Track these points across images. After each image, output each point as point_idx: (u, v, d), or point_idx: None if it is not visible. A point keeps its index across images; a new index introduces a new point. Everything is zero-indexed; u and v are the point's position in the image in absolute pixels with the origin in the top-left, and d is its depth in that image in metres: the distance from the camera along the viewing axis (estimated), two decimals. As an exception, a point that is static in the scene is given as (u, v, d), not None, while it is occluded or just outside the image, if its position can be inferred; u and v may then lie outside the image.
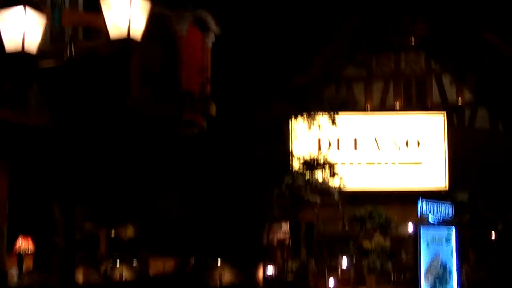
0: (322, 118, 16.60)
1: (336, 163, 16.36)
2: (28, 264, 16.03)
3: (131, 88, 22.37)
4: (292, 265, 15.25)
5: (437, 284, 12.96)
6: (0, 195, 14.69)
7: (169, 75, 21.80)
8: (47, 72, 13.31)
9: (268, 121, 16.55)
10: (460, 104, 25.34)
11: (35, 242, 16.30)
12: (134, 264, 16.52)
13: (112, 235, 17.14)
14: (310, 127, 16.55)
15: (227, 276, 17.04)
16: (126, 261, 16.64)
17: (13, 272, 13.43)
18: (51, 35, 14.20)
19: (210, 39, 23.07)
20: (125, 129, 21.99)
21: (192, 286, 16.16)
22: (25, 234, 16.52)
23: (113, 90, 22.03)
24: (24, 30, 8.68)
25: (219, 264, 17.44)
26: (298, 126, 16.72)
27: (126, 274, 16.35)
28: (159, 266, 17.28)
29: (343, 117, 17.23)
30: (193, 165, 15.70)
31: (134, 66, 22.26)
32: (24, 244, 16.39)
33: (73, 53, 9.15)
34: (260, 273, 15.67)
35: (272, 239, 16.90)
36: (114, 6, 8.64)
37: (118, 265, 16.58)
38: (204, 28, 23.07)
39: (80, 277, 14.08)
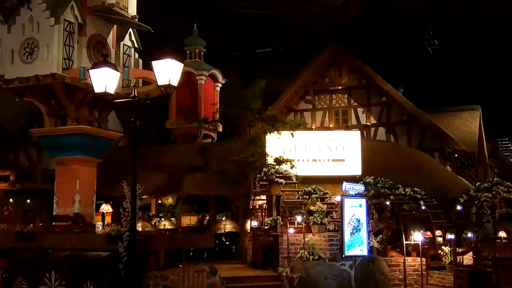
0: (285, 133, 16.57)
1: (293, 160, 16.30)
2: (108, 220, 15.92)
3: (169, 115, 22.39)
4: (267, 220, 15.14)
5: (354, 232, 12.81)
6: (91, 178, 14.76)
7: (193, 107, 21.85)
8: (121, 105, 13.22)
9: (253, 134, 16.50)
10: (368, 124, 25.44)
11: (112, 206, 16.19)
12: (172, 219, 16.45)
13: (159, 202, 17.01)
14: (278, 138, 16.53)
15: (229, 226, 17.00)
16: (167, 218, 16.57)
17: (99, 224, 13.39)
18: (123, 83, 14.26)
19: (219, 86, 23.10)
20: (167, 140, 21.89)
21: (207, 232, 16.12)
22: (107, 201, 16.43)
23: (159, 116, 21.99)
24: (107, 80, 8.78)
25: (224, 219, 17.38)
26: (271, 138, 16.63)
27: (167, 225, 16.26)
28: (187, 220, 17.25)
29: (298, 133, 17.20)
30: (208, 161, 15.61)
31: (172, 102, 22.33)
32: (105, 207, 16.30)
33: (136, 94, 9.20)
34: (248, 225, 15.62)
35: (255, 205, 16.86)
36: (161, 66, 8.73)
37: (162, 220, 16.50)
38: (215, 80, 23.21)
39: (139, 228, 13.99)
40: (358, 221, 12.90)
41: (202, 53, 23.66)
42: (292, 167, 16.23)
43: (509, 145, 45.18)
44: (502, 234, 15.74)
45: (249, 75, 31.24)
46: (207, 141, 21.38)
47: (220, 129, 20.48)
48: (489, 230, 16.63)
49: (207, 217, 17.78)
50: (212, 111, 19.66)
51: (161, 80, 9.11)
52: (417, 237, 13.66)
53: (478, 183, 17.41)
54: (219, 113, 18.00)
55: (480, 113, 27.13)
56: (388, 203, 16.02)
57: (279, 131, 16.44)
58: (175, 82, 9.14)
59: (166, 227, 16.07)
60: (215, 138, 21.99)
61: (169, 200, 17.08)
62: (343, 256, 12.64)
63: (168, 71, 9.01)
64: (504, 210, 17.06)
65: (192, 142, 20.65)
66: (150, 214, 17.83)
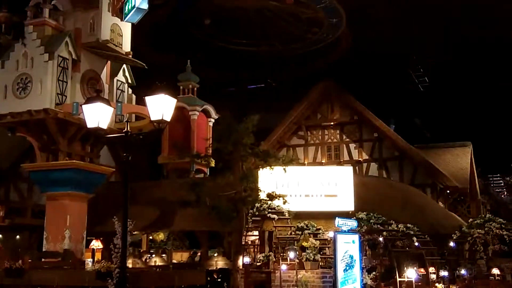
0: (278, 169, 16.55)
1: (286, 195, 16.23)
2: (98, 256, 15.68)
3: (162, 150, 22.38)
4: (260, 256, 15.00)
5: (347, 268, 12.73)
6: (81, 214, 14.62)
7: (186, 142, 21.84)
8: (113, 140, 13.23)
9: (245, 170, 16.42)
10: (360, 160, 25.53)
11: (103, 242, 15.97)
12: (163, 255, 16.24)
13: (150, 238, 16.81)
14: (271, 174, 16.49)
15: (221, 262, 16.79)
16: (158, 254, 16.35)
17: (89, 261, 13.18)
18: (116, 118, 14.29)
19: (211, 121, 23.20)
20: (159, 175, 21.81)
21: (199, 268, 15.87)
22: (97, 237, 16.21)
23: (152, 151, 21.96)
24: (100, 115, 8.80)
25: (215, 255, 17.18)
26: (263, 173, 16.59)
27: (158, 261, 16.03)
28: (178, 257, 17.05)
29: (290, 168, 17.19)
30: (200, 196, 15.47)
31: (165, 137, 22.34)
32: (95, 243, 16.07)
33: (128, 129, 9.19)
34: (240, 261, 15.43)
35: (248, 241, 16.73)
36: (154, 101, 8.76)
37: (153, 256, 16.28)
38: (208, 115, 23.32)
39: (129, 264, 13.78)
40: (351, 257, 12.84)
41: (195, 88, 23.82)
42: (284, 203, 16.15)
43: (501, 181, 45.38)
44: (495, 271, 15.69)
45: (242, 111, 31.45)
46: (199, 176, 21.28)
47: (213, 164, 20.38)
48: (482, 267, 16.57)
49: (199, 253, 17.58)
50: (205, 146, 19.65)
51: (154, 115, 9.11)
52: (411, 274, 13.58)
53: (470, 220, 17.46)
54: (212, 148, 17.99)
55: (471, 149, 27.32)
56: (381, 239, 15.94)
57: (272, 166, 16.41)
58: (168, 117, 9.15)
59: (157, 264, 15.85)
60: (208, 173, 21.91)
61: (160, 236, 16.91)
62: (336, 293, 12.51)
63: (161, 106, 9.02)
64: (497, 247, 17.03)
65: (185, 177, 20.56)
66: (141, 250, 17.61)
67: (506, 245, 16.22)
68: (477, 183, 28.60)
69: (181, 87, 23.68)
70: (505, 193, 42.44)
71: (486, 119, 42.22)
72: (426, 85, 48.43)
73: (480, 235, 16.02)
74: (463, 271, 16.62)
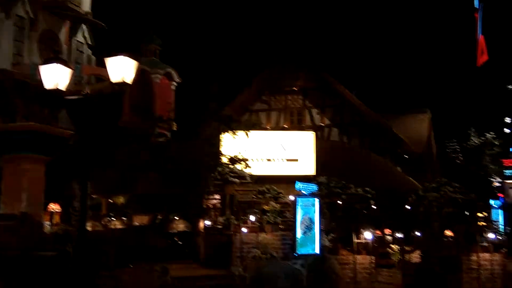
0: (240, 133, 16.59)
1: (248, 159, 16.29)
2: (56, 219, 15.48)
3: (123, 113, 22.01)
4: (221, 219, 15.09)
5: (307, 231, 13.00)
6: (40, 177, 14.30)
7: (148, 106, 21.54)
8: (72, 103, 12.93)
9: (208, 134, 16.40)
10: (322, 125, 25.71)
11: (61, 205, 15.75)
12: (124, 219, 16.15)
13: (111, 201, 16.68)
14: (233, 138, 16.51)
15: (181, 225, 16.86)
16: (118, 217, 16.25)
17: (47, 224, 13.03)
18: (75, 80, 13.92)
19: (174, 85, 22.90)
20: (120, 138, 21.53)
21: (159, 231, 15.90)
22: (55, 200, 15.96)
23: (112, 114, 21.58)
24: (58, 77, 8.54)
25: (177, 218, 17.22)
26: (226, 137, 16.60)
27: (118, 225, 15.96)
28: (139, 220, 16.99)
29: (253, 133, 17.25)
30: (161, 160, 15.40)
31: (126, 100, 21.94)
32: (54, 206, 15.83)
33: (88, 92, 8.99)
34: (202, 224, 15.53)
35: (209, 204, 16.80)
36: (114, 63, 8.56)
37: (113, 220, 16.19)
38: (170, 78, 22.92)
39: (89, 227, 13.67)
40: (311, 220, 13.11)
41: (158, 51, 23.36)
42: (246, 167, 16.26)
43: (456, 147, 46.61)
44: (448, 233, 16.23)
45: (205, 75, 31.15)
46: (161, 140, 21.09)
47: (175, 128, 20.29)
48: (436, 229, 17.09)
49: (160, 217, 17.57)
50: (167, 110, 19.46)
51: (115, 78, 8.92)
52: (368, 235, 13.92)
53: (426, 184, 17.84)
54: (174, 112, 17.84)
55: (429, 116, 27.85)
56: (340, 202, 16.20)
57: (234, 131, 16.42)
58: (129, 80, 8.98)
59: (117, 227, 15.78)
60: (170, 137, 21.73)
61: (121, 200, 16.79)
62: (295, 254, 12.77)
63: (122, 68, 8.83)
64: (451, 209, 17.56)
65: (146, 141, 20.33)
66: (101, 214, 17.48)
67: (459, 208, 16.72)
68: (434, 148, 29.31)
69: (143, 49, 23.18)
70: (460, 158, 43.63)
71: (445, 87, 43.13)
72: (390, 53, 48.81)
73: (435, 198, 16.43)
74: (417, 233, 17.13)
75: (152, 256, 15.34)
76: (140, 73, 18.72)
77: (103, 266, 10.57)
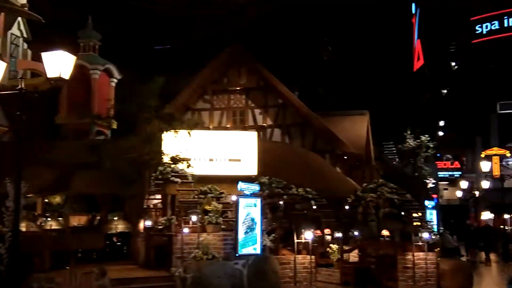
0: (182, 132, 16.42)
1: (190, 159, 16.13)
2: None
3: (60, 110, 21.36)
4: (161, 220, 14.86)
5: (248, 231, 13.02)
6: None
7: (86, 102, 20.99)
8: (6, 98, 12.41)
9: (149, 133, 16.12)
10: (264, 126, 25.88)
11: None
12: (60, 219, 15.64)
13: (46, 201, 16.11)
14: (175, 137, 16.32)
15: (121, 226, 16.53)
16: (54, 218, 15.72)
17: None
18: (9, 74, 13.37)
19: (114, 81, 22.39)
20: (56, 135, 20.85)
21: (97, 232, 15.53)
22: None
23: (48, 111, 20.88)
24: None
25: (116, 219, 16.87)
26: (168, 136, 16.36)
27: (54, 225, 15.45)
28: (76, 220, 16.55)
29: (195, 132, 17.11)
30: (100, 159, 15.02)
31: (63, 95, 21.30)
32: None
33: (23, 87, 8.67)
34: (142, 224, 15.25)
35: (150, 204, 16.54)
36: (51, 57, 8.28)
37: (49, 220, 15.65)
38: (110, 75, 22.43)
39: (23, 228, 13.16)
40: (253, 220, 13.14)
41: (97, 46, 22.77)
42: (188, 166, 16.07)
43: (393, 148, 48.17)
44: (385, 232, 16.69)
45: (147, 72, 30.65)
46: (100, 138, 20.59)
47: (115, 126, 19.84)
48: (374, 229, 17.55)
49: (98, 217, 17.16)
50: (107, 107, 19.00)
51: (51, 73, 8.66)
52: (308, 235, 14.11)
53: (364, 184, 18.28)
54: (114, 110, 17.43)
55: (368, 118, 28.59)
56: (281, 202, 16.34)
57: (176, 130, 16.23)
58: (66, 75, 8.72)
59: (52, 228, 15.27)
60: (109, 135, 21.26)
61: (57, 199, 16.26)
62: (237, 255, 12.78)
63: (59, 63, 8.58)
64: (388, 209, 18.06)
65: (84, 138, 19.79)
66: (36, 214, 16.85)
67: (396, 208, 17.21)
68: (372, 150, 30.13)
69: (82, 44, 22.54)
70: (397, 159, 45.12)
71: (383, 90, 44.41)
72: (330, 55, 49.69)
73: (373, 199, 16.85)
74: (356, 233, 17.52)
75: (90, 257, 14.97)
76: (78, 68, 18.23)
77: (37, 268, 10.21)
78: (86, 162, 14.98)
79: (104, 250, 15.47)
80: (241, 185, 13.35)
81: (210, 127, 25.44)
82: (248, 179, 14.41)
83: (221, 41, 28.93)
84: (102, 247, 15.16)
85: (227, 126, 25.71)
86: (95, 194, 17.00)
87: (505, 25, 17.77)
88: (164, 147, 16.23)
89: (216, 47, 28.36)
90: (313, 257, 13.99)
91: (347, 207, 17.57)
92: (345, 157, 25.51)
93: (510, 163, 31.45)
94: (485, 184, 39.97)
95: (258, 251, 12.93)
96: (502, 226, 29.69)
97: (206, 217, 14.31)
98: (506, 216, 31.75)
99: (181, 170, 16.02)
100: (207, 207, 14.82)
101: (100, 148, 15.28)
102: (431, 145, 37.62)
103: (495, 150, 37.59)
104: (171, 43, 44.97)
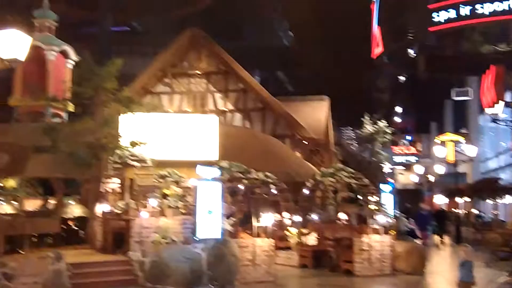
0: (142, 116, 16.21)
1: (149, 143, 15.92)
2: None
3: (14, 91, 20.71)
4: (120, 204, 14.68)
5: (208, 215, 12.95)
6: None
7: (41, 84, 20.38)
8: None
9: (107, 115, 15.81)
10: (225, 110, 25.84)
11: None
12: (14, 203, 15.20)
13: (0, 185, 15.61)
14: (134, 120, 16.10)
15: (77, 210, 16.25)
16: (8, 202, 15.25)
17: None
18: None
19: (70, 63, 21.82)
20: (10, 117, 20.22)
21: (53, 216, 15.22)
22: None
23: (2, 92, 20.22)
24: None
25: (72, 203, 16.56)
26: (126, 119, 16.10)
27: (8, 209, 15.03)
28: (31, 204, 16.15)
29: (155, 115, 16.94)
30: (56, 142, 14.65)
31: (18, 77, 20.63)
32: None
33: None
34: (99, 209, 15.03)
35: (108, 188, 16.32)
36: (5, 37, 8.00)
37: (2, 204, 15.19)
38: (66, 56, 21.83)
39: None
40: (212, 204, 13.09)
41: (53, 27, 22.09)
42: (147, 150, 15.89)
43: (352, 134, 48.92)
44: (342, 216, 16.99)
45: (104, 54, 30.04)
46: (56, 120, 20.05)
47: (71, 109, 19.39)
48: (331, 213, 17.84)
49: (53, 201, 16.81)
50: (63, 89, 18.53)
51: (6, 53, 8.38)
52: (267, 219, 14.20)
53: (323, 169, 18.51)
54: (70, 92, 17.01)
55: (327, 104, 28.88)
56: (241, 187, 16.39)
57: (135, 113, 16.00)
58: (21, 57, 8.45)
59: (6, 212, 14.85)
60: (65, 118, 20.74)
61: (11, 183, 15.79)
62: (196, 239, 12.75)
63: (13, 43, 8.29)
64: (345, 194, 18.38)
65: (39, 121, 19.25)
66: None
67: (353, 192, 17.52)
68: (331, 135, 30.50)
69: (37, 25, 21.81)
70: (355, 145, 45.83)
71: (342, 75, 44.88)
72: (291, 40, 49.82)
73: (331, 183, 17.10)
74: (314, 216, 17.77)
75: (45, 242, 14.68)
76: (33, 49, 17.65)
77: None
78: (41, 145, 14.58)
79: (60, 234, 15.20)
80: (201, 169, 13.26)
81: (170, 110, 25.16)
82: (208, 163, 14.33)
83: (180, 24, 28.59)
84: (57, 232, 14.87)
85: (187, 110, 25.48)
86: (51, 177, 16.61)
87: (462, 13, 18.16)
88: (123, 131, 15.96)
89: (176, 30, 28.03)
90: (272, 240, 14.10)
91: (306, 191, 17.77)
92: (305, 142, 25.74)
93: (463, 148, 32.39)
94: (439, 169, 41.16)
95: (218, 235, 12.93)
96: (454, 210, 30.67)
97: (165, 201, 14.23)
98: (459, 200, 32.79)
99: (140, 154, 15.83)
100: (166, 191, 14.73)
101: (55, 131, 14.89)
102: (388, 131, 38.34)
103: (449, 136, 38.62)
104: (129, 25, 44.17)
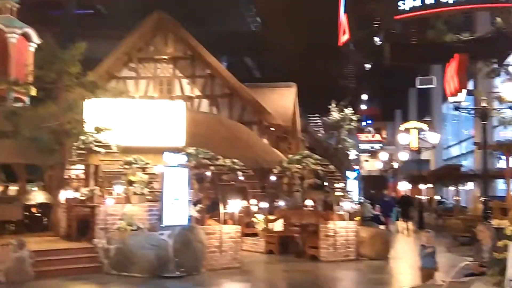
0: (107, 101, 15.94)
1: (114, 128, 15.66)
2: None
3: (-26, 75, 20.04)
4: (84, 191, 14.47)
5: (174, 201, 12.93)
6: None
7: (2, 68, 19.80)
8: None
9: (71, 100, 15.50)
10: (192, 96, 25.66)
11: None
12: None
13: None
14: (98, 106, 15.84)
15: (40, 196, 15.96)
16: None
17: None
18: None
19: (33, 46, 21.27)
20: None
21: (15, 203, 14.91)
22: None
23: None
24: None
25: (35, 189, 16.25)
26: (91, 105, 15.82)
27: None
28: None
29: (120, 101, 16.66)
30: (18, 127, 14.28)
31: (-23, 60, 19.94)
32: None
33: None
34: (63, 195, 14.78)
35: (72, 174, 16.08)
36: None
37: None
38: (29, 39, 21.26)
39: None
40: (179, 191, 13.06)
41: (15, 9, 21.43)
42: (112, 136, 15.65)
43: (318, 121, 49.31)
44: (308, 202, 17.16)
45: (68, 37, 29.36)
46: (18, 105, 19.55)
47: (34, 93, 18.91)
48: (298, 199, 18.01)
49: (15, 187, 16.47)
50: (25, 72, 18.05)
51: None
52: (234, 206, 14.23)
53: (290, 155, 18.64)
54: (33, 76, 16.59)
55: (295, 90, 29.00)
56: (208, 173, 16.35)
57: (100, 98, 15.74)
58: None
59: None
60: (28, 103, 20.24)
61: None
62: (162, 225, 12.70)
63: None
64: (312, 180, 18.56)
65: (0, 105, 18.73)
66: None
67: (319, 179, 17.72)
68: (298, 122, 30.68)
69: (-2, 6, 21.15)
70: (322, 131, 46.25)
71: (310, 63, 45.08)
72: (258, 26, 49.59)
73: (298, 170, 17.23)
74: (281, 203, 17.90)
75: (7, 229, 14.38)
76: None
77: None
78: (2, 130, 14.21)
79: (22, 221, 14.92)
80: (167, 156, 13.18)
81: (136, 96, 24.84)
82: (175, 150, 14.24)
83: (146, 7, 28.13)
84: (20, 219, 14.59)
85: (154, 95, 25.21)
86: (13, 163, 16.25)
87: (427, 2, 18.37)
88: (87, 116, 15.67)
89: (141, 13, 27.57)
90: (239, 227, 14.16)
91: (273, 178, 17.88)
92: (272, 129, 25.83)
93: (426, 136, 33.08)
94: (403, 156, 41.95)
95: (184, 222, 12.91)
96: (418, 196, 31.37)
97: (131, 187, 14.08)
98: (422, 186, 33.55)
99: (104, 140, 15.58)
100: (132, 178, 14.56)
101: (17, 115, 14.50)
102: (354, 118, 38.80)
103: (413, 123, 39.33)
104: (93, 7, 43.23)
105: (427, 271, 9.24)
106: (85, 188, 14.76)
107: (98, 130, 15.36)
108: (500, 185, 27.86)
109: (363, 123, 60.64)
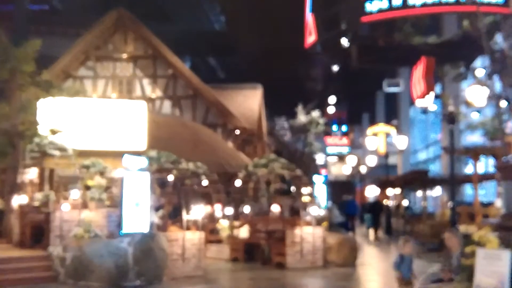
0: (63, 101, 15.71)
1: (70, 130, 15.45)
2: None
3: None
4: (38, 196, 14.20)
5: (135, 207, 12.79)
6: None
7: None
8: None
9: (24, 100, 15.21)
10: (154, 97, 25.48)
11: None
12: None
13: None
14: (54, 106, 15.60)
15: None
16: None
17: None
18: None
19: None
20: None
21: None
22: None
23: None
24: None
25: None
26: (45, 105, 15.57)
27: None
28: None
29: (77, 101, 16.40)
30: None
31: None
32: None
33: None
34: (15, 201, 14.47)
35: (25, 179, 15.76)
36: None
37: None
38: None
39: None
40: (139, 196, 12.93)
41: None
42: (68, 138, 15.41)
43: (285, 124, 49.58)
44: (275, 208, 17.27)
45: (21, 34, 28.73)
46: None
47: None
48: (264, 204, 18.11)
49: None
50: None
51: None
52: (197, 211, 14.20)
53: (255, 159, 18.72)
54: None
55: (261, 92, 29.11)
56: (170, 178, 16.27)
57: (55, 98, 15.51)
58: None
59: None
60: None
61: None
62: (122, 233, 12.55)
63: None
64: (278, 185, 18.71)
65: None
66: None
67: (286, 183, 17.86)
68: (264, 124, 30.81)
69: None
70: (288, 135, 46.52)
71: (275, 63, 45.34)
72: (223, 25, 49.66)
73: (264, 174, 17.33)
74: (246, 208, 17.95)
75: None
76: None
77: None
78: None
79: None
80: (127, 159, 13.04)
81: (94, 96, 24.49)
82: (135, 153, 14.10)
83: (104, 4, 27.82)
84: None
85: (113, 96, 24.90)
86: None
87: (394, 4, 18.80)
88: (42, 117, 15.41)
89: (100, 10, 27.25)
90: (202, 233, 14.12)
91: (238, 183, 17.91)
92: (237, 132, 25.86)
93: (394, 140, 33.70)
94: (371, 160, 42.63)
95: (145, 229, 12.79)
96: (385, 201, 31.90)
97: (88, 193, 13.88)
98: (389, 191, 34.13)
99: (60, 142, 15.33)
100: (90, 182, 14.35)
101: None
102: (321, 121, 39.20)
103: (380, 127, 39.99)
104: (48, 3, 42.47)
105: (406, 283, 8.93)
106: (40, 193, 14.49)
107: (53, 131, 15.13)
108: (468, 190, 28.63)
109: (333, 127, 61.38)
